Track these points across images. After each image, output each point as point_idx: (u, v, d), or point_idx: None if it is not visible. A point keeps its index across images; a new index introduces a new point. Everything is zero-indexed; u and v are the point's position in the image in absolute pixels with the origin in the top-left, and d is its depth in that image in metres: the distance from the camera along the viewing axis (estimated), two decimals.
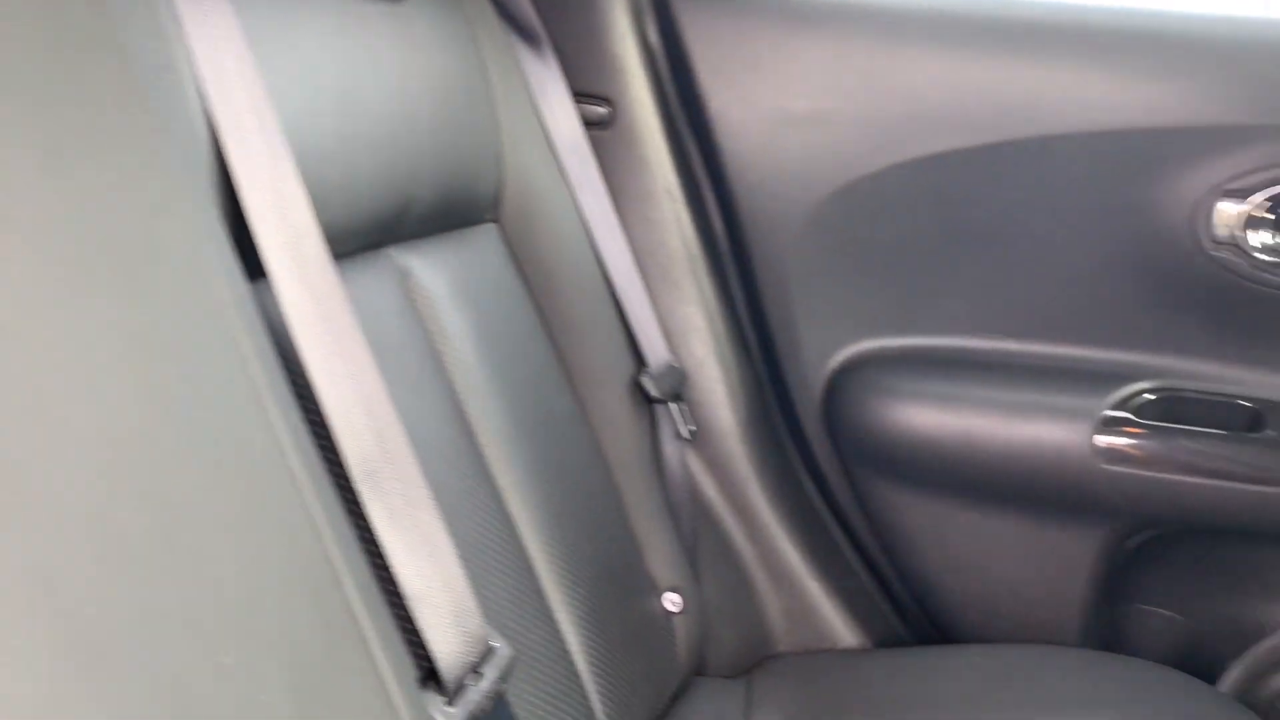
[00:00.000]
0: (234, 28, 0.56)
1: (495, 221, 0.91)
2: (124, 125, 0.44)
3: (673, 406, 1.02)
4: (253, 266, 0.53)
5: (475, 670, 0.57)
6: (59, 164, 0.39)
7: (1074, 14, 1.05)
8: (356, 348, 0.56)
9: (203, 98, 0.54)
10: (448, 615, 0.55)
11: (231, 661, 0.39)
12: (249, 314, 0.48)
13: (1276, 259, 0.96)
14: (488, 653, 0.59)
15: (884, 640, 1.11)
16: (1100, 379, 1.03)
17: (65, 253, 0.38)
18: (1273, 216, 0.96)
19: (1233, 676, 1.06)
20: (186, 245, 0.46)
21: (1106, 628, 1.09)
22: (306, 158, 0.58)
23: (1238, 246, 0.97)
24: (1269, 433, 0.99)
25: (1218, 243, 0.98)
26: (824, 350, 1.12)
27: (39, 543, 0.33)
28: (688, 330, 1.07)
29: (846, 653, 1.08)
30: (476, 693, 0.56)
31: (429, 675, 0.54)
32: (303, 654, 0.44)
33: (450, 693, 0.55)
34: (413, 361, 0.71)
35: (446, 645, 0.55)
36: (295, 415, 0.50)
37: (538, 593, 0.75)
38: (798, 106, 1.06)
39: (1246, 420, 1.00)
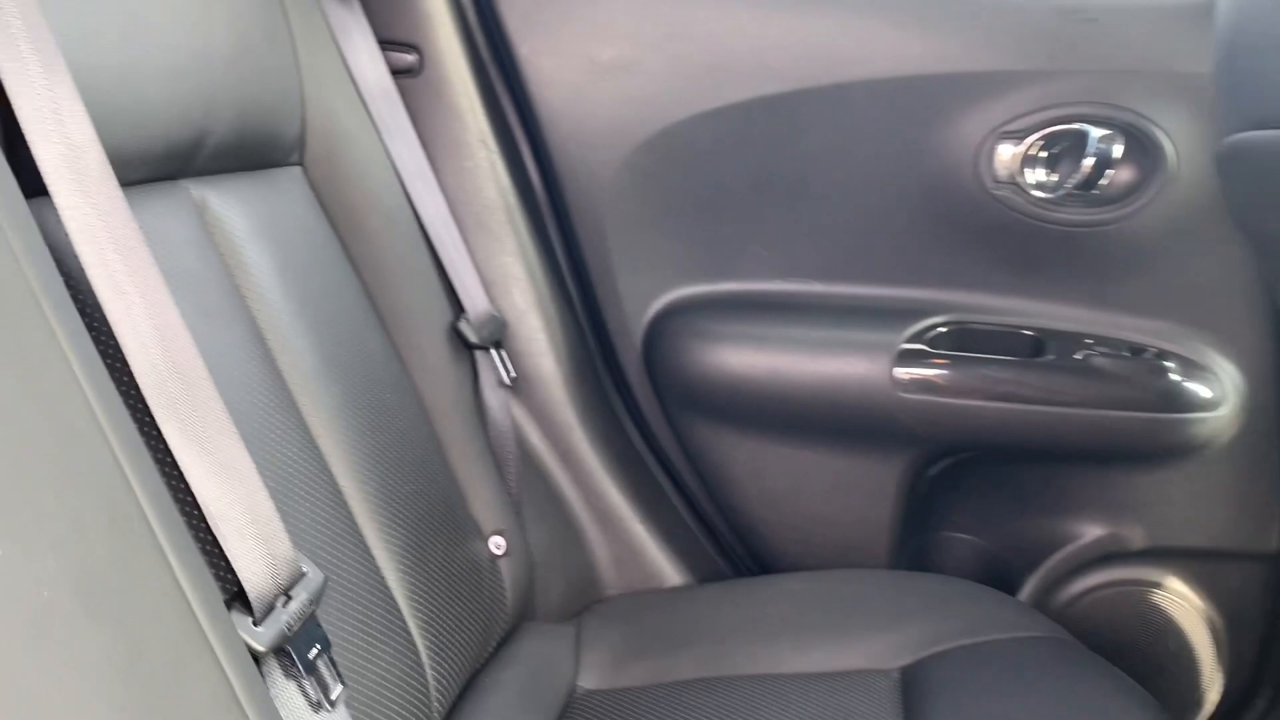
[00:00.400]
0: None
1: (300, 165, 0.89)
2: None
3: (493, 353, 1.03)
4: (31, 184, 0.50)
5: (285, 593, 0.57)
6: None
7: None
8: (147, 269, 0.54)
9: None
10: (251, 538, 0.54)
11: (27, 586, 0.38)
12: (27, 230, 0.46)
13: (1050, 195, 1.05)
14: (298, 576, 0.58)
15: (708, 576, 1.15)
16: (897, 315, 1.10)
17: None
18: (1045, 155, 1.04)
19: (1029, 588, 1.16)
20: None
21: (914, 551, 1.17)
22: (87, 75, 0.56)
23: (1016, 185, 1.05)
24: (1049, 358, 1.08)
25: (998, 182, 1.05)
26: (642, 297, 1.15)
27: None
28: (507, 279, 1.08)
29: (673, 591, 1.12)
30: (286, 614, 0.56)
31: (236, 596, 0.53)
32: (101, 575, 0.43)
33: (258, 614, 0.54)
34: (210, 292, 0.69)
35: (252, 567, 0.54)
36: (84, 337, 0.48)
37: (353, 527, 0.74)
38: (605, 55, 1.08)
39: (1029, 347, 1.09)
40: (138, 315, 0.53)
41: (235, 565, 0.53)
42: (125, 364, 0.52)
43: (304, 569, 0.59)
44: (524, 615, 1.00)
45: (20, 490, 0.41)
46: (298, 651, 0.57)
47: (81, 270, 0.52)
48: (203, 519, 0.53)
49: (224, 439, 0.55)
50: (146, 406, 0.52)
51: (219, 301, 0.70)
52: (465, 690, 0.86)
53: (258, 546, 0.55)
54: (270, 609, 0.55)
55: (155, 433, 0.52)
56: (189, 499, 0.53)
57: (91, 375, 0.47)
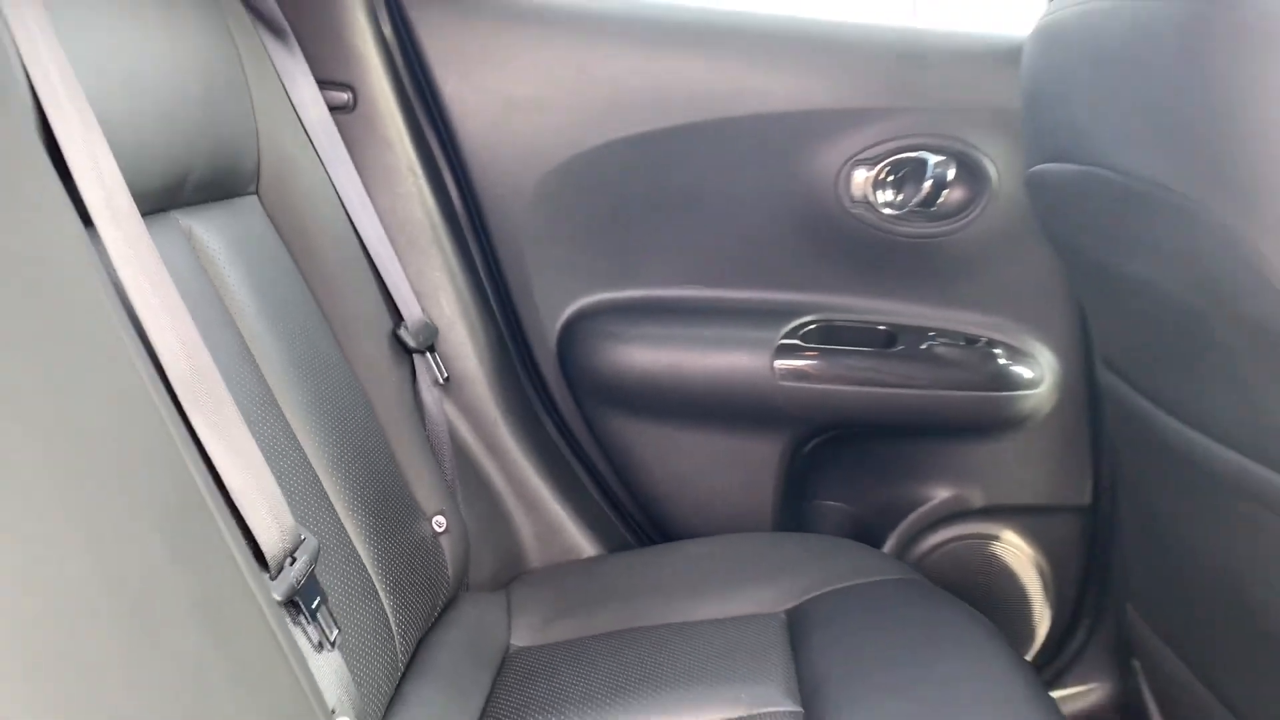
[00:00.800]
0: (45, 19, 0.65)
1: (256, 194, 1.01)
2: None
3: (428, 357, 1.16)
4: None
5: (291, 555, 0.70)
6: None
7: (737, 18, 1.28)
8: (168, 289, 0.68)
9: (26, 75, 0.63)
10: (265, 510, 0.68)
11: (111, 538, 0.50)
12: (90, 254, 0.59)
13: (897, 212, 1.24)
14: (299, 542, 0.72)
15: (618, 547, 1.30)
16: (774, 315, 1.28)
17: None
18: (892, 178, 1.23)
19: (890, 543, 1.35)
20: (34, 193, 0.56)
21: (793, 516, 1.35)
22: (105, 128, 0.69)
23: (869, 204, 1.24)
24: (900, 348, 1.27)
25: (854, 202, 1.24)
26: (555, 305, 1.30)
27: None
28: (437, 291, 1.21)
29: (589, 561, 1.27)
30: (293, 573, 0.70)
31: (256, 558, 0.67)
32: (173, 548, 0.55)
33: (273, 572, 0.68)
34: (205, 308, 0.82)
35: (267, 533, 0.68)
36: (140, 343, 0.61)
37: (328, 504, 0.88)
38: (519, 93, 1.23)
39: (884, 340, 1.28)
40: (165, 327, 0.66)
41: (255, 532, 0.67)
42: (161, 369, 0.65)
43: (303, 535, 0.73)
44: (462, 585, 1.14)
45: (93, 480, 0.52)
46: (304, 601, 0.71)
47: (122, 289, 0.64)
48: (228, 495, 0.66)
49: (235, 429, 0.69)
50: (179, 404, 0.65)
51: (211, 315, 0.83)
52: (416, 649, 1.00)
53: (269, 517, 0.68)
54: (280, 568, 0.69)
55: (188, 425, 0.65)
56: (217, 479, 0.66)
57: (151, 379, 0.60)
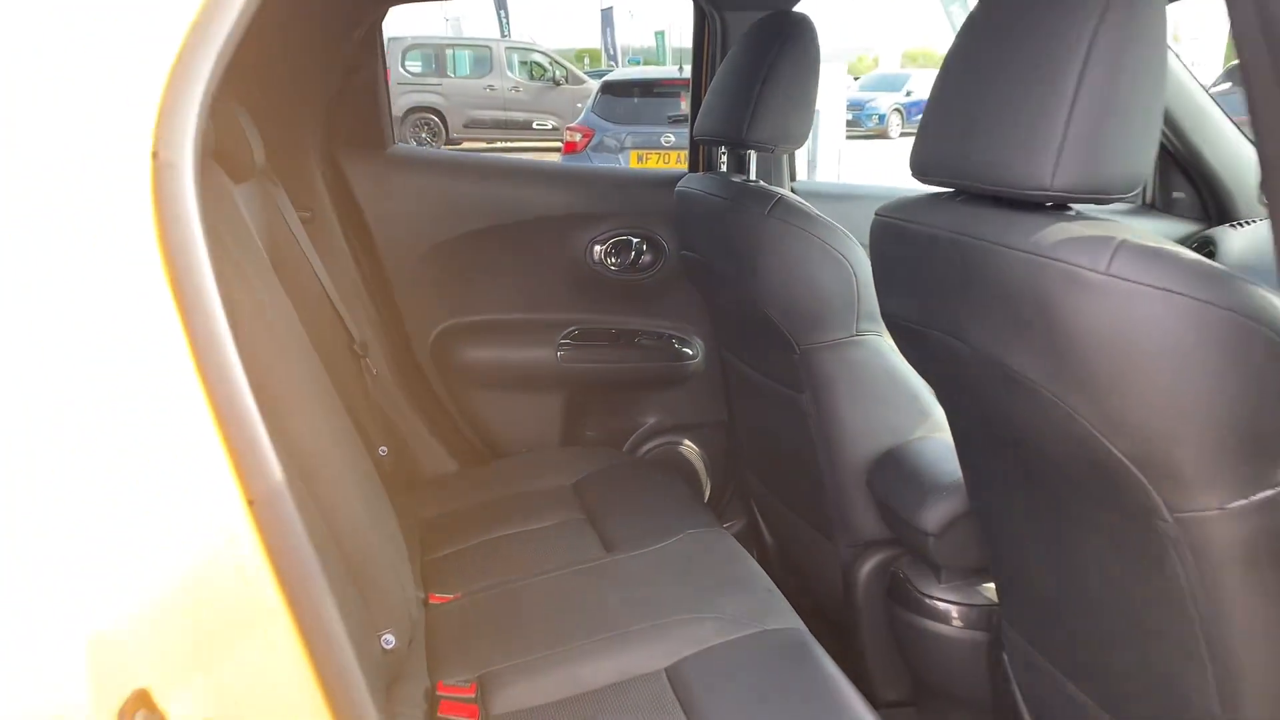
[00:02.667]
0: None
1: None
2: None
3: (366, 360, 2.08)
4: None
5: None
6: None
7: (529, 163, 2.30)
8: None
9: None
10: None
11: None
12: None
13: (618, 268, 2.29)
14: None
15: (467, 459, 2.27)
16: (556, 325, 2.30)
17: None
18: (615, 249, 2.28)
19: (625, 448, 2.40)
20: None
21: (571, 439, 2.37)
22: None
23: (603, 264, 2.28)
24: (623, 341, 2.31)
25: (595, 262, 2.28)
26: (429, 325, 2.26)
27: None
28: (364, 321, 2.13)
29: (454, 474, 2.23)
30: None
31: None
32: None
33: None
34: None
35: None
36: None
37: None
38: (406, 206, 2.20)
39: (617, 337, 2.32)
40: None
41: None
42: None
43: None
44: (407, 489, 2.07)
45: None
46: None
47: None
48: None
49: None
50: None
51: None
52: None
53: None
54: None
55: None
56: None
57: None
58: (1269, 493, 0.88)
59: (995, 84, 0.97)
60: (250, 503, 0.62)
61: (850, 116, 13.59)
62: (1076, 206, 0.97)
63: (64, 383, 0.57)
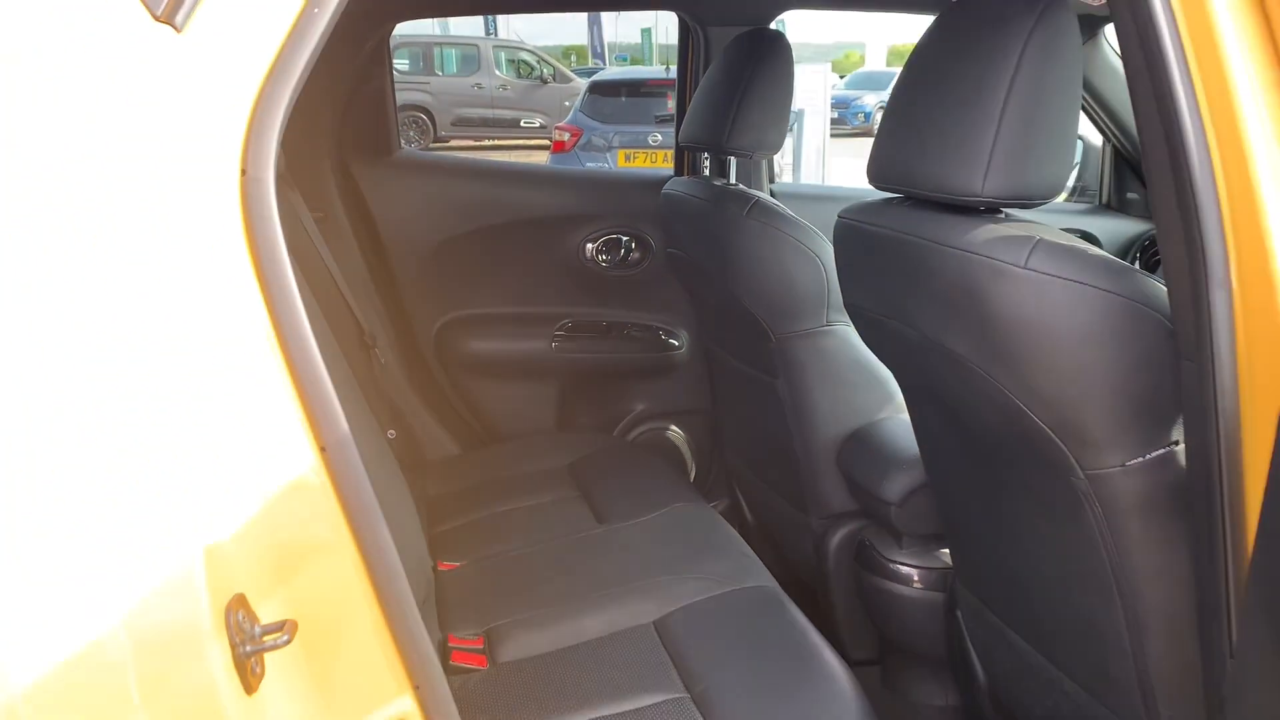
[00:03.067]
0: None
1: None
2: None
3: (375, 351, 2.23)
4: None
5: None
6: None
7: (529, 168, 2.46)
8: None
9: None
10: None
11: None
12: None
13: (609, 264, 2.45)
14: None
15: (466, 442, 2.42)
16: (551, 317, 2.45)
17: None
18: (605, 246, 2.44)
19: (616, 433, 2.55)
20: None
21: (564, 425, 2.53)
22: None
23: (596, 260, 2.44)
24: (613, 333, 2.47)
25: (587, 259, 2.44)
26: (433, 318, 2.41)
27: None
28: (372, 314, 2.28)
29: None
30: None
31: None
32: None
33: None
34: None
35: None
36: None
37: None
38: (414, 207, 2.35)
39: (607, 329, 2.47)
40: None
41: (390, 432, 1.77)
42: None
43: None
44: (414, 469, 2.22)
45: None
46: None
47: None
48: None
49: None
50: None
51: None
52: None
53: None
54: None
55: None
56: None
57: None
58: (1160, 451, 1.04)
59: (939, 101, 1.13)
60: (321, 449, 0.78)
61: (836, 115, 13.78)
62: (1007, 210, 1.13)
63: (167, 358, 0.72)
